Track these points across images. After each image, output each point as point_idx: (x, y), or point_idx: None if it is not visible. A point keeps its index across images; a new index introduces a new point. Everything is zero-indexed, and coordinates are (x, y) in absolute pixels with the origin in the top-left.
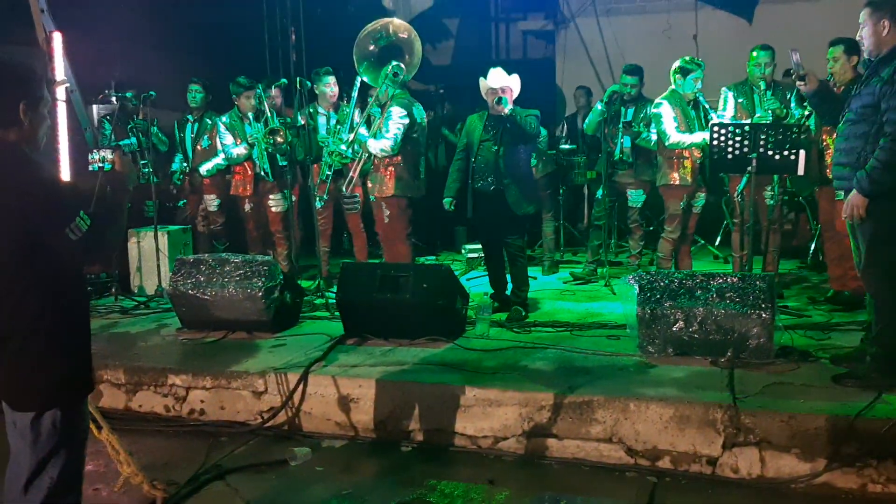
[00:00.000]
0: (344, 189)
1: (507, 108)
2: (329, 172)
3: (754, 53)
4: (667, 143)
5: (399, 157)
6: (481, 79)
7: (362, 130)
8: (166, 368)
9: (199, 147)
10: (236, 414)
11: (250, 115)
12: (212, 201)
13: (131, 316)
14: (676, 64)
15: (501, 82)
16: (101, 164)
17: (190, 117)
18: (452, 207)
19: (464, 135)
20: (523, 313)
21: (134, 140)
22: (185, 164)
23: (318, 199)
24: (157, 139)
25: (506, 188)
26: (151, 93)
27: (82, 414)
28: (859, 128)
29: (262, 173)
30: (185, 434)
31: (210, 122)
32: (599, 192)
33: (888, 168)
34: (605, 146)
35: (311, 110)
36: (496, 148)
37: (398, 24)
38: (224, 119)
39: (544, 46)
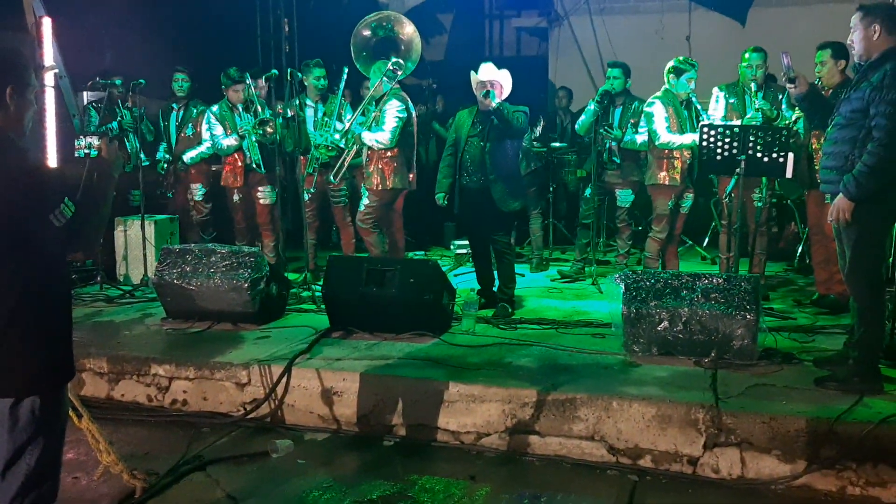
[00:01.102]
0: (333, 178)
1: (495, 102)
2: (316, 165)
3: (746, 55)
4: (657, 143)
5: (395, 151)
6: (472, 73)
7: (355, 123)
8: (150, 358)
9: (182, 135)
10: (219, 405)
11: (240, 105)
12: (196, 190)
13: (116, 305)
14: (670, 64)
15: (490, 76)
16: (87, 151)
17: (175, 105)
18: (445, 202)
19: (452, 130)
20: (510, 310)
21: (115, 125)
22: (167, 155)
23: (305, 191)
24: (146, 128)
25: (491, 184)
26: (141, 81)
27: (62, 401)
28: (848, 132)
29: (255, 165)
30: (166, 424)
31: (195, 111)
32: (588, 191)
33: (875, 173)
34: (594, 146)
35: (300, 102)
36: (483, 143)
37: (401, 19)
38: (214, 109)
39: (538, 44)
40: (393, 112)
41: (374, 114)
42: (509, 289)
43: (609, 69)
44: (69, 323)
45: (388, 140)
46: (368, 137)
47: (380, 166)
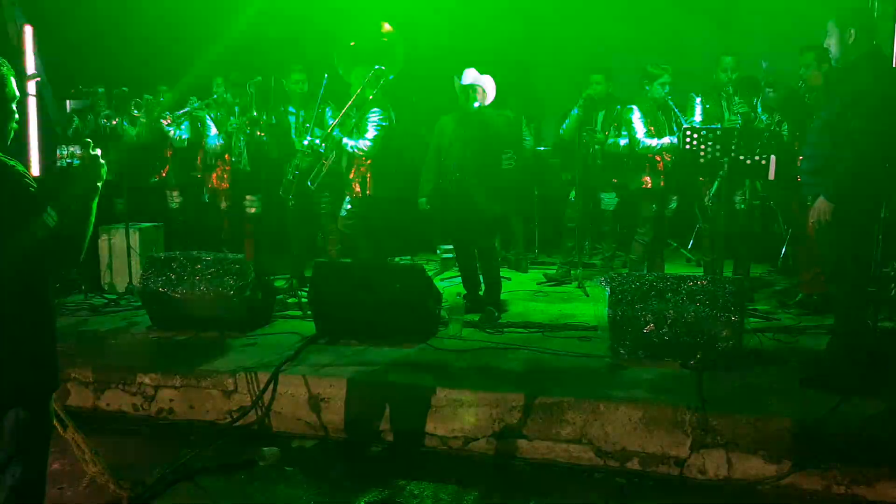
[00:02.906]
0: (310, 184)
1: (476, 106)
2: (295, 171)
3: (721, 59)
4: (638, 149)
5: (371, 159)
6: (455, 78)
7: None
8: (135, 367)
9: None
10: (206, 413)
11: (236, 109)
12: (174, 198)
13: (101, 314)
14: (645, 68)
15: (473, 80)
16: (69, 161)
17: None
18: (428, 206)
19: (436, 135)
20: (496, 314)
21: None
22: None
23: (287, 198)
24: (128, 136)
25: (474, 188)
26: (124, 88)
27: (47, 412)
28: (826, 135)
29: (237, 162)
30: (153, 433)
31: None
32: (573, 195)
33: (854, 174)
34: (579, 149)
35: (283, 109)
36: (465, 148)
37: (381, 25)
38: (210, 112)
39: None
40: (375, 120)
41: (355, 121)
42: (495, 293)
43: (592, 75)
44: (53, 333)
45: (368, 148)
46: (350, 144)
47: (361, 174)
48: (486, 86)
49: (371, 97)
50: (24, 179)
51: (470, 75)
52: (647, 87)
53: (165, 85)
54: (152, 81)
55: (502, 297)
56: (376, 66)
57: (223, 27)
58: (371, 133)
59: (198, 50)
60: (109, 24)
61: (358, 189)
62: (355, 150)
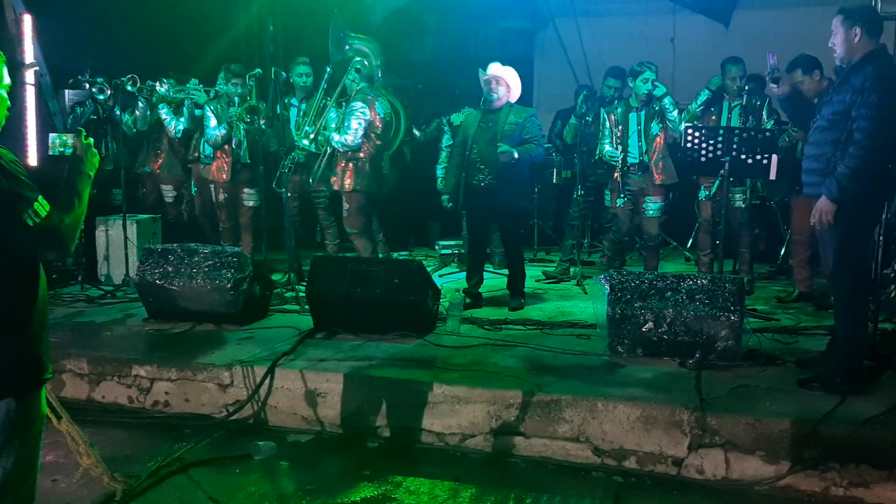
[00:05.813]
0: (311, 182)
1: (495, 96)
2: (291, 165)
3: (728, 67)
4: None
5: (360, 152)
6: (480, 71)
7: (332, 124)
8: (131, 359)
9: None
10: (201, 406)
11: (236, 99)
12: (168, 192)
13: (97, 305)
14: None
15: (495, 72)
16: (61, 149)
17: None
18: (450, 204)
19: (460, 130)
20: (522, 301)
21: (82, 110)
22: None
23: (284, 191)
24: (126, 126)
25: (499, 184)
26: (123, 79)
27: (38, 403)
28: (830, 134)
29: (236, 153)
30: (148, 426)
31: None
32: (576, 193)
33: (857, 174)
34: (580, 147)
35: (286, 101)
36: (490, 143)
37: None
38: (210, 104)
39: (522, 45)
40: (356, 113)
41: (341, 115)
42: (521, 282)
43: (608, 77)
44: (45, 324)
45: (351, 142)
46: (335, 139)
47: (343, 167)
48: (511, 79)
49: (356, 91)
50: (13, 166)
51: (493, 68)
52: (630, 84)
53: (168, 76)
54: (155, 74)
55: (499, 294)
56: (356, 59)
57: (229, 19)
58: (353, 126)
59: (202, 42)
60: (111, 15)
61: (348, 184)
62: (340, 147)
